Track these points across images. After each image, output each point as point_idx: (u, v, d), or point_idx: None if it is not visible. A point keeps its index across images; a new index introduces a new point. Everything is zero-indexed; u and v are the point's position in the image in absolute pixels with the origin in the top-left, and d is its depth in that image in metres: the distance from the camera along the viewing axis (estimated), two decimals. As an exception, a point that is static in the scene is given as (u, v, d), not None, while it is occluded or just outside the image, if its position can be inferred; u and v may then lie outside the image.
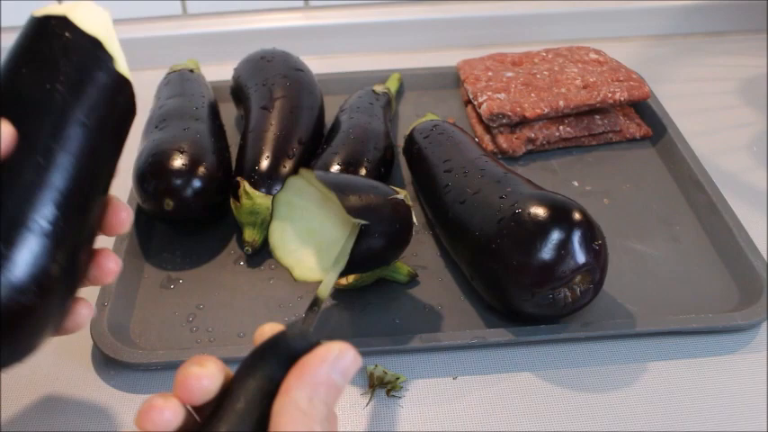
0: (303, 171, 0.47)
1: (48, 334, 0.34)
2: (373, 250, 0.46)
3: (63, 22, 0.35)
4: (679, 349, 0.50)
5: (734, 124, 0.74)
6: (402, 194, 0.49)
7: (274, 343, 0.32)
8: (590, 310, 0.51)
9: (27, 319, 0.31)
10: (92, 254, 0.37)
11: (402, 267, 0.55)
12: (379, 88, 0.71)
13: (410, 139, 0.63)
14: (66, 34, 0.35)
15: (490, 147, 0.69)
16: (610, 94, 0.68)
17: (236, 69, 0.71)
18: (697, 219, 0.61)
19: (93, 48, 0.35)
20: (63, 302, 0.34)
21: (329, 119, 0.68)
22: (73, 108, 0.34)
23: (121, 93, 0.37)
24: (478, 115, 0.72)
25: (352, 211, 0.44)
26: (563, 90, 0.68)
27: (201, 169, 0.56)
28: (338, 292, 0.54)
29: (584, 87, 0.69)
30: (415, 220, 0.50)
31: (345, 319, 0.53)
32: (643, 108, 0.72)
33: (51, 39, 0.35)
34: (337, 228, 0.48)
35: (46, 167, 0.32)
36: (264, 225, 0.57)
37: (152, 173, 0.55)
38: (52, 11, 0.36)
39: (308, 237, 0.49)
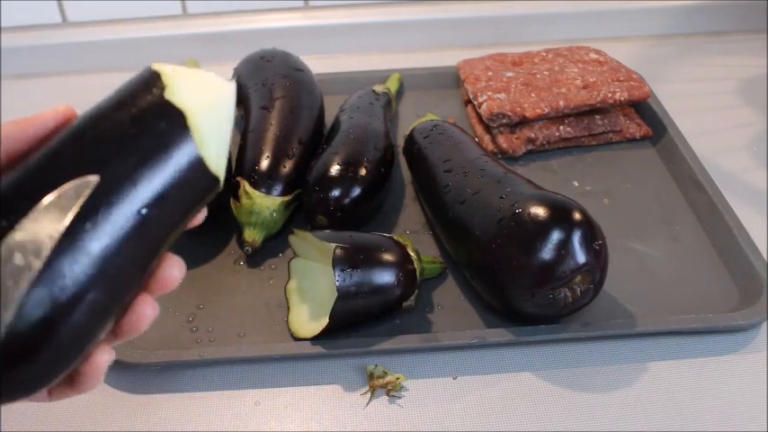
0: (298, 231, 0.52)
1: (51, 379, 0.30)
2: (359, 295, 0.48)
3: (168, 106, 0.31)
4: (679, 349, 0.50)
5: (734, 124, 0.74)
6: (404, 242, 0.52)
7: None
8: (590, 310, 0.51)
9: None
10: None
11: (434, 263, 0.55)
12: (379, 88, 0.71)
13: (410, 139, 0.63)
14: (166, 125, 0.31)
15: (490, 147, 0.69)
16: (610, 94, 0.68)
17: (236, 69, 0.71)
18: (697, 219, 0.61)
19: (188, 154, 0.31)
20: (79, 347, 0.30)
21: (329, 119, 0.68)
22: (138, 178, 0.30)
23: (203, 187, 0.33)
24: (478, 115, 0.72)
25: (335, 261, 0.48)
26: (563, 90, 0.68)
27: (201, 169, 0.56)
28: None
29: (585, 87, 0.69)
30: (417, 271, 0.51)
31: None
32: (643, 108, 0.72)
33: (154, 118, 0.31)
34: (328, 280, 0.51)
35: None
36: (264, 225, 0.57)
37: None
38: (171, 79, 0.31)
39: (311, 294, 0.52)
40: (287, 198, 0.58)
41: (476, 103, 0.69)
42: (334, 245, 0.48)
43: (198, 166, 0.31)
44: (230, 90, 0.33)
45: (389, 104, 0.71)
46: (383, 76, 0.77)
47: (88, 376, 0.32)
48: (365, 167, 0.57)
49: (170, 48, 0.86)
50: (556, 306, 0.48)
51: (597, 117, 0.69)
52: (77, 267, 0.28)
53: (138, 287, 0.32)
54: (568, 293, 0.47)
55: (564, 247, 0.46)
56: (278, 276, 0.56)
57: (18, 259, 0.27)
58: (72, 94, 0.83)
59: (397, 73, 0.78)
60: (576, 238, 0.46)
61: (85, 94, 0.84)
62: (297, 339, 0.50)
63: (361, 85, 0.72)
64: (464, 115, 0.75)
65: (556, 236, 0.46)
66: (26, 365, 0.28)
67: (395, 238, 0.52)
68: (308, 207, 0.58)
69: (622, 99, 0.68)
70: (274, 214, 0.57)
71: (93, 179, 0.29)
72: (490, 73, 0.72)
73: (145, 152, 0.30)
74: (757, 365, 0.49)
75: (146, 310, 0.32)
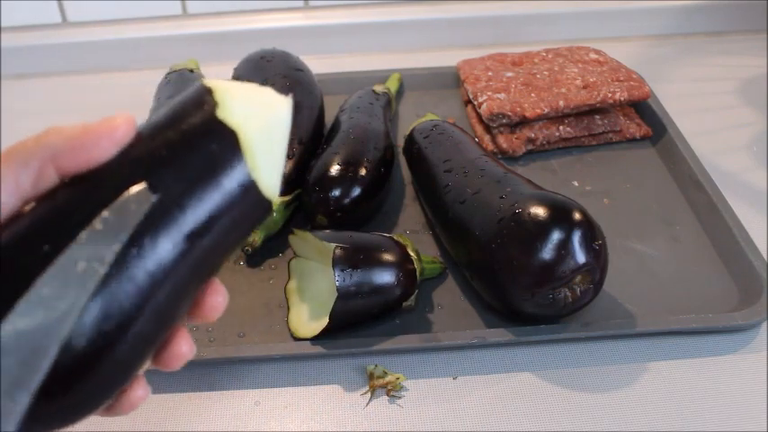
0: (298, 231, 0.52)
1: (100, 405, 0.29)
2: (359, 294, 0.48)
3: (221, 127, 0.29)
4: (679, 349, 0.50)
5: (734, 124, 0.74)
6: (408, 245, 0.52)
7: None
8: (590, 310, 0.51)
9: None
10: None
11: (434, 263, 0.55)
12: (379, 88, 0.71)
13: (410, 139, 0.63)
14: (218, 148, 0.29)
15: (490, 147, 0.69)
16: (610, 94, 0.68)
17: (236, 69, 0.71)
18: (697, 219, 0.61)
19: (237, 165, 0.29)
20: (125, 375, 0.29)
21: (329, 119, 0.68)
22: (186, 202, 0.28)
23: (255, 211, 0.31)
24: (478, 115, 0.72)
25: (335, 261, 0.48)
26: (563, 90, 0.68)
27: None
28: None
29: (584, 87, 0.69)
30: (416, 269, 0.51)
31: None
32: (643, 108, 0.72)
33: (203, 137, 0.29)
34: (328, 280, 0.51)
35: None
36: (264, 225, 0.57)
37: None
38: (224, 99, 0.29)
39: (313, 294, 0.52)
40: (287, 198, 0.58)
41: (476, 103, 0.69)
42: (334, 245, 0.48)
43: (250, 190, 0.29)
44: (286, 107, 0.31)
45: (389, 104, 0.71)
46: (383, 76, 0.77)
47: (121, 408, 0.31)
48: (365, 167, 0.57)
49: (170, 48, 0.86)
50: (556, 306, 0.48)
51: (597, 117, 0.69)
52: (123, 296, 0.27)
53: (183, 315, 0.31)
54: (568, 293, 0.47)
55: (564, 247, 0.46)
56: (278, 276, 0.56)
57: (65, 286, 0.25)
58: (72, 94, 0.83)
59: (397, 73, 0.78)
60: (576, 238, 0.46)
61: (85, 94, 0.85)
62: (297, 339, 0.50)
63: (361, 85, 0.72)
64: (464, 115, 0.75)
65: (556, 236, 0.46)
66: (65, 397, 0.27)
67: (395, 238, 0.52)
68: (308, 207, 0.58)
69: (622, 99, 0.68)
70: (274, 214, 0.57)
71: (152, 197, 0.27)
72: (490, 73, 0.72)
73: (196, 175, 0.28)
74: (757, 365, 0.49)
75: (182, 348, 0.31)
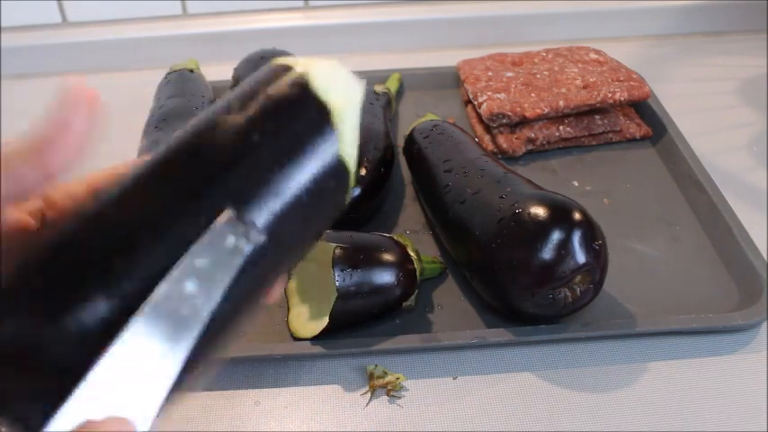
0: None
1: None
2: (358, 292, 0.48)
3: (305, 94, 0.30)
4: (679, 349, 0.50)
5: (734, 124, 0.74)
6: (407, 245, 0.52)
7: None
8: (590, 310, 0.51)
9: None
10: None
11: (434, 263, 0.55)
12: (379, 88, 0.71)
13: (410, 139, 0.63)
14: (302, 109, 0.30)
15: (490, 147, 0.69)
16: (610, 94, 0.68)
17: (236, 69, 0.71)
18: (697, 219, 0.61)
19: (320, 121, 0.30)
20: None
21: (329, 119, 0.68)
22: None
23: (336, 181, 0.32)
24: (478, 115, 0.72)
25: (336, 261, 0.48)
26: (563, 90, 0.68)
27: (201, 169, 0.56)
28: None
29: (585, 87, 0.69)
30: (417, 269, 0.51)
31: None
32: (643, 108, 0.72)
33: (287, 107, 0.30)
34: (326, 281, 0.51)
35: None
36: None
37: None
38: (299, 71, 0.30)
39: (312, 293, 0.52)
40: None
41: (476, 103, 0.69)
42: (333, 245, 0.48)
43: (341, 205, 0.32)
44: (361, 95, 0.32)
45: (389, 104, 0.71)
46: (383, 76, 0.77)
47: None
48: (365, 167, 0.57)
49: (170, 48, 0.86)
50: (556, 306, 0.48)
51: (597, 117, 0.69)
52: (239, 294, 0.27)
53: None
54: (568, 293, 0.47)
55: (564, 247, 0.46)
56: (278, 276, 0.56)
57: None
58: (72, 94, 0.83)
59: (397, 73, 0.78)
60: (576, 238, 0.46)
61: (85, 94, 0.84)
62: (297, 339, 0.50)
63: (361, 85, 0.72)
64: (464, 115, 0.75)
65: (556, 236, 0.46)
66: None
67: (395, 238, 0.52)
68: (308, 207, 0.58)
69: (622, 99, 0.68)
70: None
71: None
72: (490, 73, 0.72)
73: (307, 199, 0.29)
74: (757, 365, 0.49)
75: None
